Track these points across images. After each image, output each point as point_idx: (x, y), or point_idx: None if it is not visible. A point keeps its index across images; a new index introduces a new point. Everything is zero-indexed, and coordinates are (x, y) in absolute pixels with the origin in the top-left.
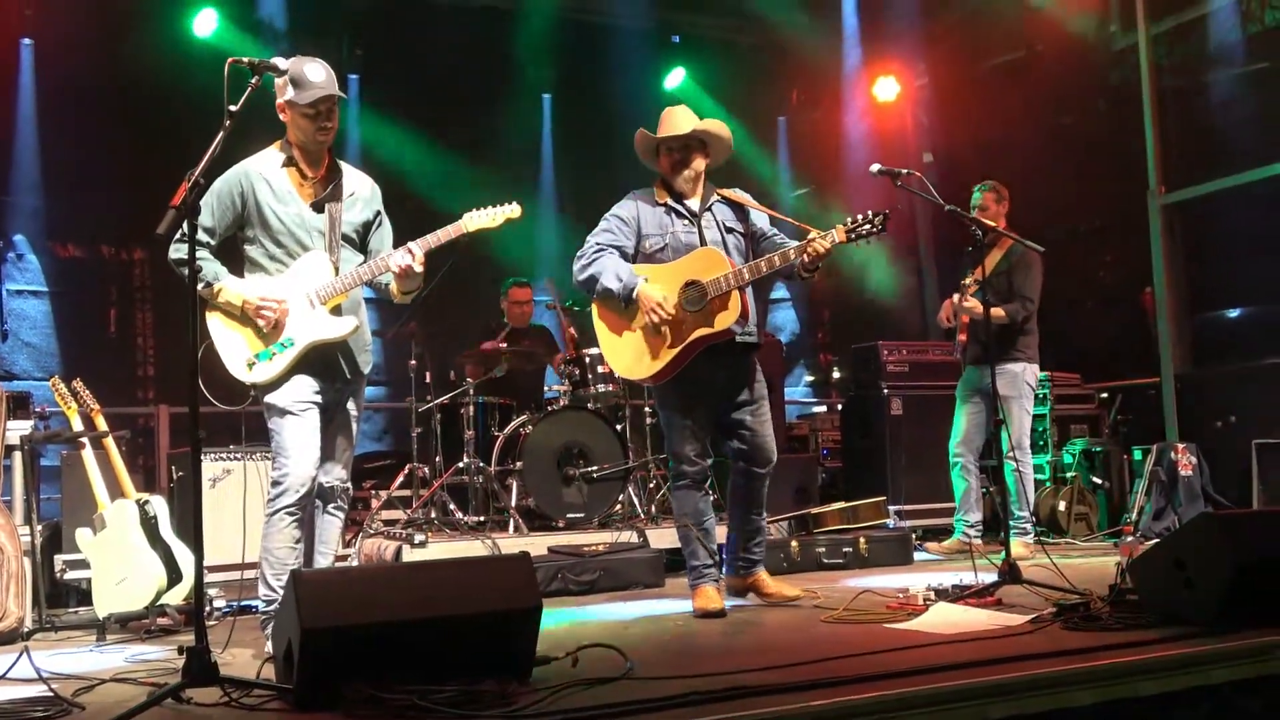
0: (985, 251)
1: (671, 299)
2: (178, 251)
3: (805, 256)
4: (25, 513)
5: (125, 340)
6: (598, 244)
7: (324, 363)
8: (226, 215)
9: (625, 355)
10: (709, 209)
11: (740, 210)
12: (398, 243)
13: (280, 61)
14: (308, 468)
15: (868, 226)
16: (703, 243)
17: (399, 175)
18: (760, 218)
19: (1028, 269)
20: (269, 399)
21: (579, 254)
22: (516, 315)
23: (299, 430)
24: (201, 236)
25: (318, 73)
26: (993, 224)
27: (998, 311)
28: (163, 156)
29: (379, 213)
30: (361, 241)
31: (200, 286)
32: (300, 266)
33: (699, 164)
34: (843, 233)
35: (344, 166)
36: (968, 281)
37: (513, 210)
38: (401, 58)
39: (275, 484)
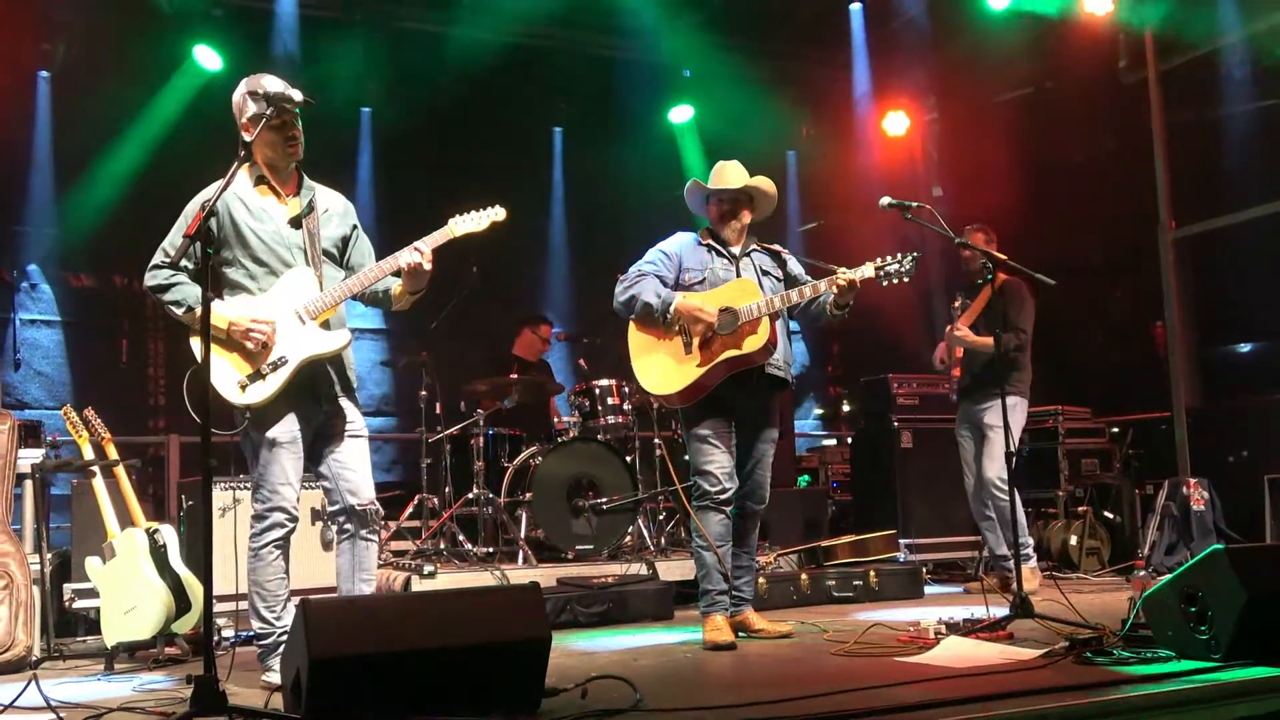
0: (981, 286)
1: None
2: (154, 279)
3: (834, 289)
4: (35, 541)
5: (136, 370)
6: (640, 271)
7: (313, 382)
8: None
9: (656, 373)
10: (748, 254)
11: (778, 258)
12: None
13: (295, 93)
14: (294, 500)
15: (896, 265)
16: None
17: (410, 207)
18: (796, 267)
19: (1021, 301)
20: (254, 429)
21: (622, 279)
22: (536, 348)
23: (287, 461)
24: (182, 262)
25: (274, 81)
26: (1003, 256)
27: (987, 341)
28: (176, 187)
29: (355, 226)
30: (341, 256)
31: (182, 312)
32: (285, 283)
33: (745, 217)
34: (872, 269)
35: (314, 184)
36: (957, 305)
37: (497, 214)
38: (413, 91)
39: (260, 518)
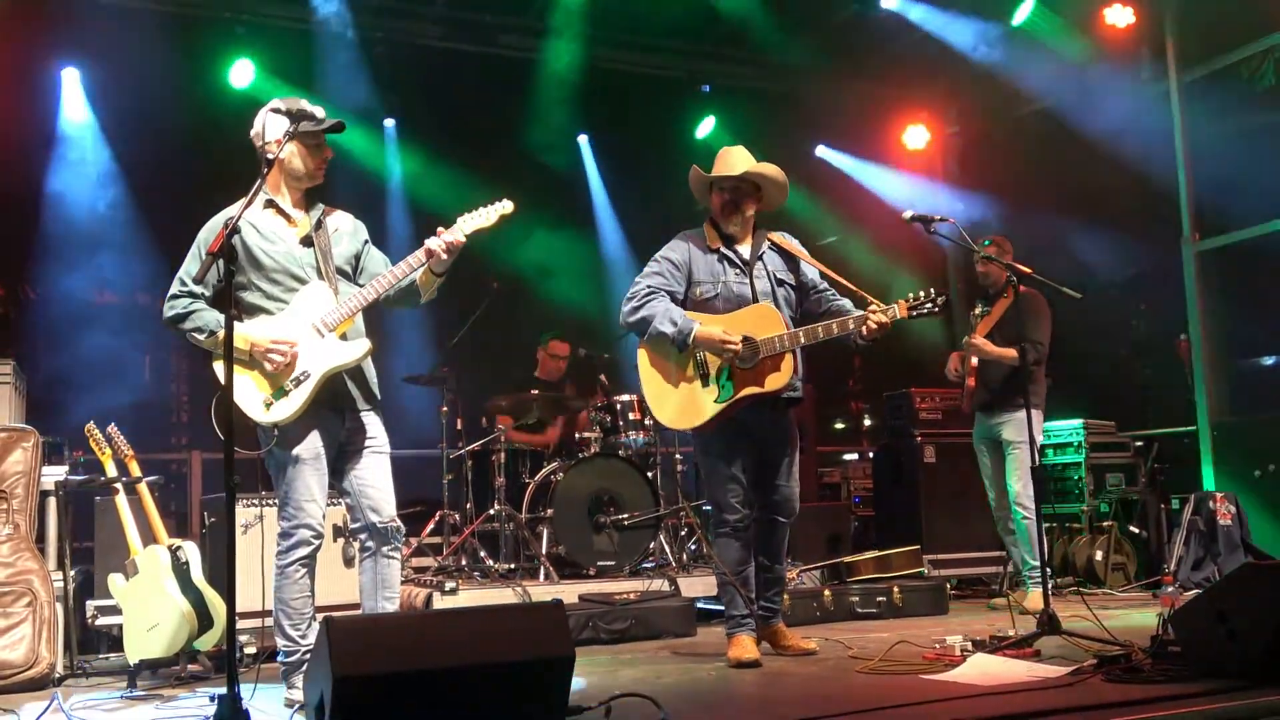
0: (997, 297)
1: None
2: (172, 309)
3: (864, 329)
4: (58, 558)
5: (159, 386)
6: (649, 286)
7: (336, 395)
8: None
9: (670, 405)
10: (760, 258)
11: (791, 260)
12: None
13: (317, 110)
14: (320, 517)
15: (929, 305)
16: (754, 293)
17: (441, 215)
18: (811, 270)
19: (1037, 314)
20: (279, 447)
21: (629, 294)
22: (551, 369)
23: (311, 478)
24: (195, 289)
25: (301, 102)
26: (1028, 269)
27: (1009, 352)
28: (202, 205)
29: (366, 242)
30: (354, 273)
31: (204, 338)
32: (301, 299)
33: (750, 209)
34: (904, 309)
35: (320, 205)
36: (977, 312)
37: (505, 207)
38: (435, 103)
39: (286, 535)
